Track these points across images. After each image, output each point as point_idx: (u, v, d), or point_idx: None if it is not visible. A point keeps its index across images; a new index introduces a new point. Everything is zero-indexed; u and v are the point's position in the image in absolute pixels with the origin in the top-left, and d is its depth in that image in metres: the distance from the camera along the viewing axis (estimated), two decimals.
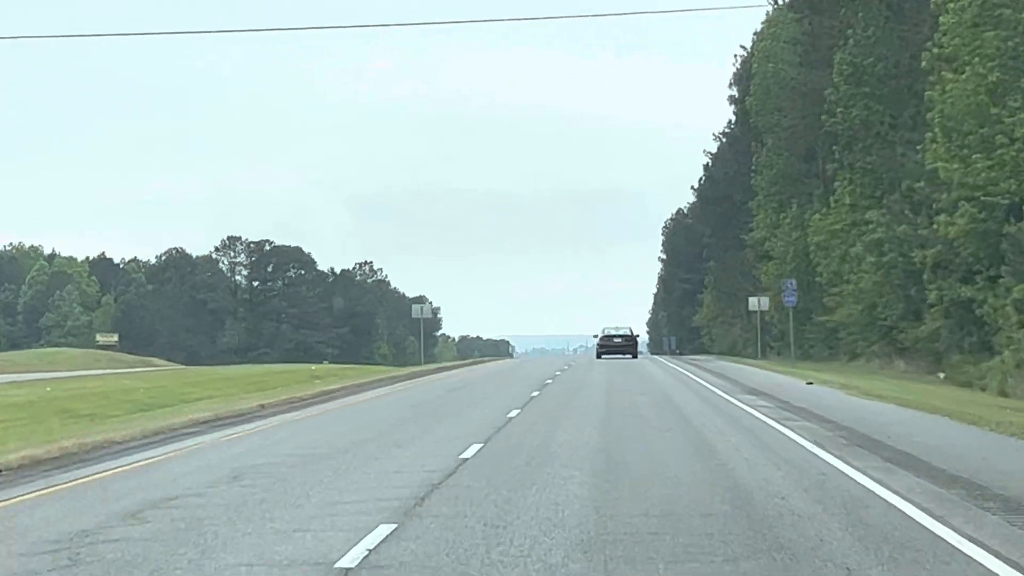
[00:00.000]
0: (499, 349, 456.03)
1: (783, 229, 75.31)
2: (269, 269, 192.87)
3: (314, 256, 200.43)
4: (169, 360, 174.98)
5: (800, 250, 72.82)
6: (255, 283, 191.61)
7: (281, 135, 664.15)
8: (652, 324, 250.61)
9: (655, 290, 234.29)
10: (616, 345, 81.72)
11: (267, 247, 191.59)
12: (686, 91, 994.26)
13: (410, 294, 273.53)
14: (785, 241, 75.20)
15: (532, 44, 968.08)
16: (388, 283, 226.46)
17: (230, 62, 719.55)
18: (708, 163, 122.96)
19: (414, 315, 68.19)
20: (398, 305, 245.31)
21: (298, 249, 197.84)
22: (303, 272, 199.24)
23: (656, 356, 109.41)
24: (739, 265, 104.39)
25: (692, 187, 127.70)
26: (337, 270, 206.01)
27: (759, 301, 72.24)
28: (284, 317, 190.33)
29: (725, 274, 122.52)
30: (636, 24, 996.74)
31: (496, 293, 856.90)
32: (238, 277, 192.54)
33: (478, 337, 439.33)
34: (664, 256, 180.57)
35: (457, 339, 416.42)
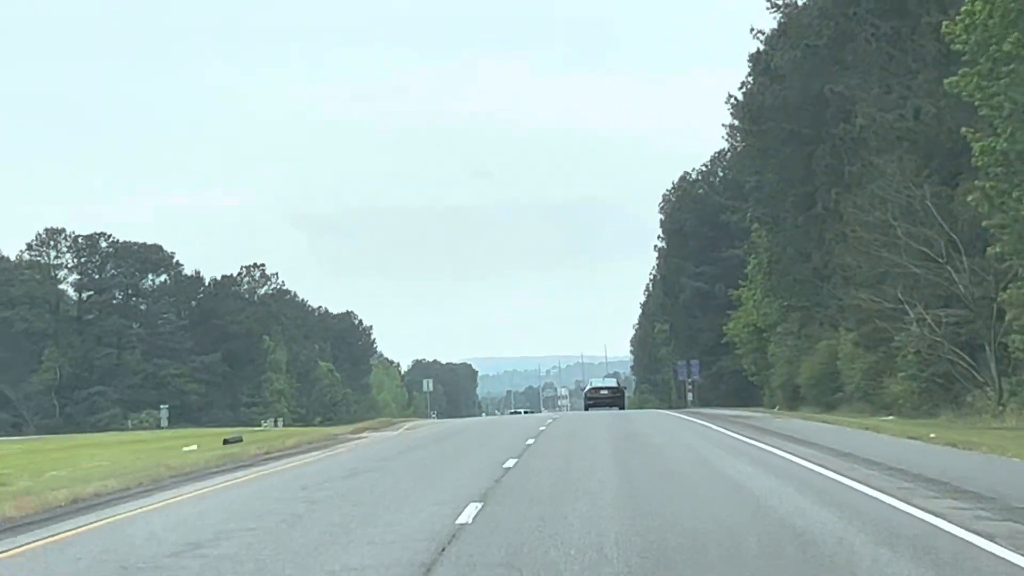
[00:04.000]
0: (458, 374, 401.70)
1: None
2: (110, 274, 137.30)
3: (180, 259, 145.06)
4: None
5: None
6: (85, 294, 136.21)
7: (218, 155, 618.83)
8: (639, 342, 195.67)
9: (643, 298, 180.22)
10: (603, 397, 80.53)
11: (102, 243, 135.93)
12: (656, 103, 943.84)
13: (334, 310, 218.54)
14: None
15: (493, 57, 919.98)
16: (292, 295, 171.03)
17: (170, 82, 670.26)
18: (761, 49, 68.75)
19: None
20: (313, 325, 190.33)
21: (155, 248, 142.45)
22: (163, 279, 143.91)
23: (699, 420, 54.97)
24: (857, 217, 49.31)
25: (729, 99, 73.29)
26: (214, 276, 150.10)
27: None
28: (127, 341, 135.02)
29: (801, 244, 69.15)
30: (605, 34, 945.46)
31: (457, 313, 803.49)
32: (64, 286, 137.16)
33: (435, 361, 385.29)
34: (664, 244, 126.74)
35: (409, 365, 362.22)
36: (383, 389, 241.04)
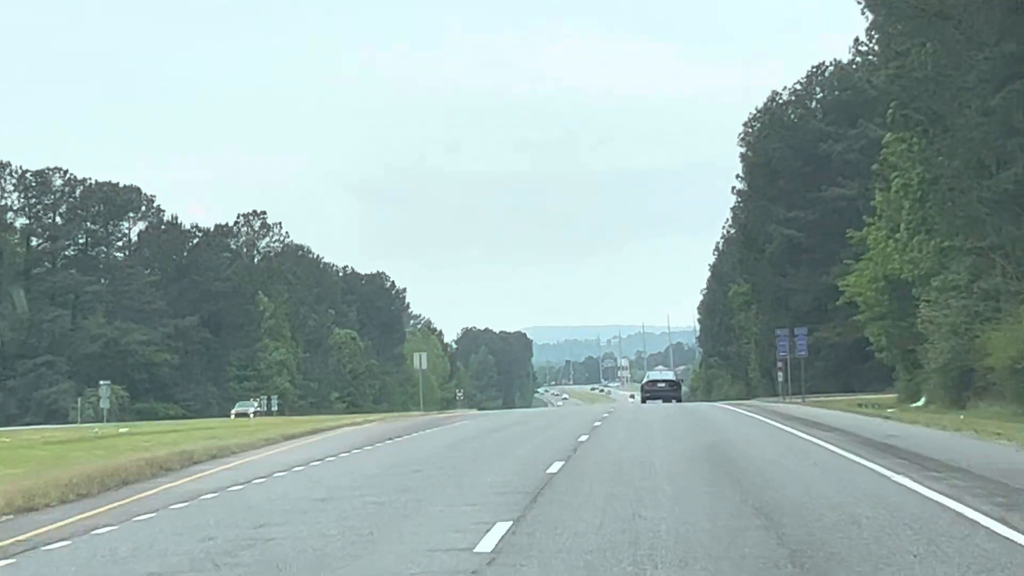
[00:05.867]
0: (511, 343, 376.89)
1: None
2: (61, 219, 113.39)
3: (162, 204, 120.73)
4: None
5: None
6: (36, 242, 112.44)
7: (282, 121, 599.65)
8: (706, 309, 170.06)
9: (713, 258, 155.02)
10: (660, 390, 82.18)
11: (57, 180, 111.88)
12: (709, 73, 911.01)
13: (362, 269, 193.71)
14: None
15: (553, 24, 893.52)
16: (304, 250, 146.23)
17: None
18: None
19: None
20: (332, 285, 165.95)
21: (129, 189, 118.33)
22: (140, 224, 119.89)
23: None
24: None
25: None
26: (196, 223, 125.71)
27: None
28: (85, 300, 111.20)
29: (981, 148, 43.50)
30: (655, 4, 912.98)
31: (514, 280, 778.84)
32: (15, 236, 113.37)
33: (487, 330, 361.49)
34: (745, 185, 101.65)
35: (459, 333, 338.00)
36: (411, 354, 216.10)
